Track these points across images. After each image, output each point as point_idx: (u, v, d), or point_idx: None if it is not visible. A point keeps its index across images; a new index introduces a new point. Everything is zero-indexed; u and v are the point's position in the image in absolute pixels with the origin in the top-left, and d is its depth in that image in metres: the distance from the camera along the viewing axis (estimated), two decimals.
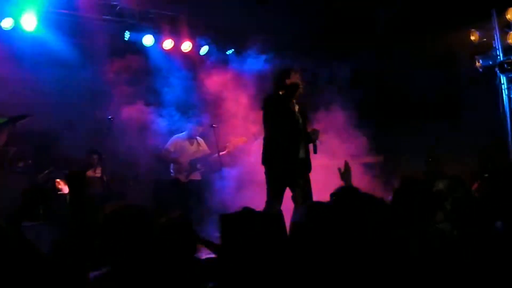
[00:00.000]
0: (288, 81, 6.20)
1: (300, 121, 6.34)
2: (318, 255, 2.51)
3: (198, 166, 9.08)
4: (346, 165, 4.60)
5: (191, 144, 9.18)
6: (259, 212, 3.13)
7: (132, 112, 9.12)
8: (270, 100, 6.29)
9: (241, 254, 2.83)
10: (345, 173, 4.53)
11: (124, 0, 9.14)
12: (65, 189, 7.98)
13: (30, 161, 8.15)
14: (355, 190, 3.50)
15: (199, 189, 8.94)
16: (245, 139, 8.89)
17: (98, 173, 8.78)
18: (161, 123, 9.16)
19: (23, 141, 8.21)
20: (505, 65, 9.04)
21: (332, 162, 5.38)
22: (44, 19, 8.65)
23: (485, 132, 9.17)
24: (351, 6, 9.46)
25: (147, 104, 9.30)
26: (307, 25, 9.77)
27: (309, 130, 6.47)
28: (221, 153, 8.98)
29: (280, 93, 6.23)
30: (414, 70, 9.67)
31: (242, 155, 8.75)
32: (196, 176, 9.12)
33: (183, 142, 9.16)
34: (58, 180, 7.77)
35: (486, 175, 5.54)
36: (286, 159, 6.15)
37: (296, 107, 6.35)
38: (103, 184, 8.68)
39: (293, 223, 2.90)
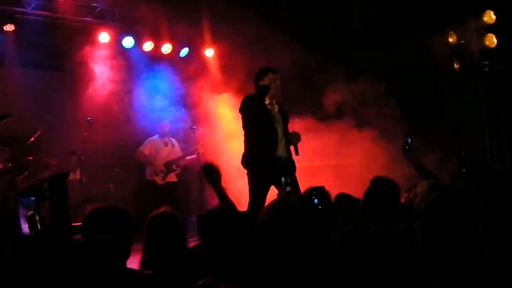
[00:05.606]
0: (261, 83, 6.20)
1: (280, 121, 6.31)
2: (281, 253, 2.49)
3: (174, 167, 9.07)
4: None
5: (166, 145, 9.18)
6: (234, 210, 3.16)
7: (112, 113, 9.12)
8: (246, 101, 6.28)
9: (218, 250, 2.89)
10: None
11: (104, 2, 9.11)
12: None
13: (9, 164, 8.05)
14: (322, 189, 3.51)
15: (176, 190, 9.00)
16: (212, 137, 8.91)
17: (77, 175, 8.64)
18: (141, 124, 9.13)
19: (2, 143, 8.14)
20: (483, 67, 9.12)
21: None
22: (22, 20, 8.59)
23: (465, 133, 9.21)
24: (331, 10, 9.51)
25: (127, 105, 9.30)
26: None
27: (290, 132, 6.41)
28: (191, 157, 9.02)
29: (255, 93, 6.26)
30: (393, 72, 9.70)
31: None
32: (172, 177, 9.10)
33: (158, 144, 9.15)
34: None
35: (463, 170, 5.46)
36: (265, 159, 6.11)
37: (276, 108, 6.33)
38: (82, 186, 8.57)
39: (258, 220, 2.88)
